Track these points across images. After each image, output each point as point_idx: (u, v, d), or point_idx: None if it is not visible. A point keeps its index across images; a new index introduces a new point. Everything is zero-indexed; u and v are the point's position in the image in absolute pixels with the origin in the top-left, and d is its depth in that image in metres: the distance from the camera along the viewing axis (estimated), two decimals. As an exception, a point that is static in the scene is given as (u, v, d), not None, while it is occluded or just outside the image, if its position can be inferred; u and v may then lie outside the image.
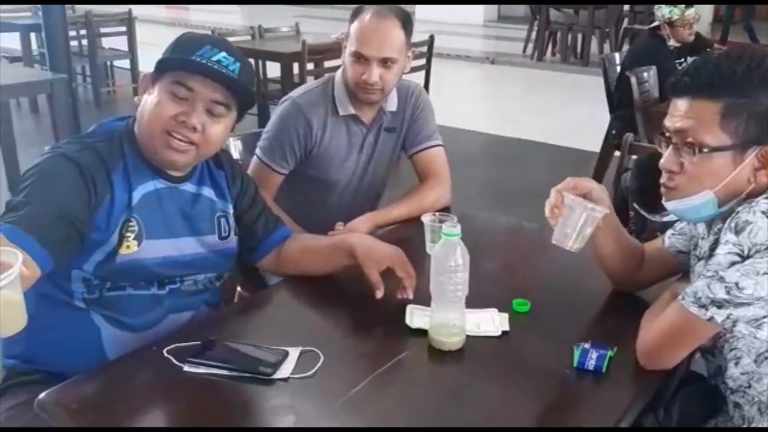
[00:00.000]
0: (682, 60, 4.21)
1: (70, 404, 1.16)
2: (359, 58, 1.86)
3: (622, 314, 1.45)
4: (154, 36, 6.85)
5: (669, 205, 1.30)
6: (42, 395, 1.16)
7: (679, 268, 1.48)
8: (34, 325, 1.40)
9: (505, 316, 1.42)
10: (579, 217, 1.35)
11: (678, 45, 4.12)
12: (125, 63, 7.00)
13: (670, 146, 1.26)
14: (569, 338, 1.30)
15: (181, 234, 1.46)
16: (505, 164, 5.32)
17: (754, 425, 1.27)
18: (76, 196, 1.30)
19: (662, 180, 1.29)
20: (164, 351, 1.27)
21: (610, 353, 1.25)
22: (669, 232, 1.50)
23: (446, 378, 1.30)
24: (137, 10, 6.95)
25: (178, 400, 1.19)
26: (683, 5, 3.99)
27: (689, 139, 1.23)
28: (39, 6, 5.18)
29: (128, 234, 1.36)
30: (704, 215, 1.28)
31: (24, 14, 6.89)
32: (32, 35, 6.51)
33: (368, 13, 1.87)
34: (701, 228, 1.36)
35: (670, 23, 4.04)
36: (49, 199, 1.26)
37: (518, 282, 1.63)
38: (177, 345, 1.28)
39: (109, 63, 7.29)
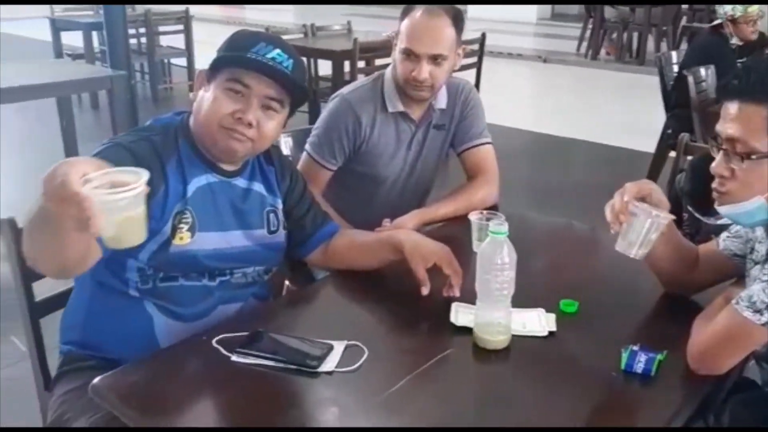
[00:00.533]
0: (744, 59, 4.08)
1: (121, 390, 1.20)
2: (409, 54, 1.87)
3: (672, 317, 1.42)
4: (210, 34, 6.99)
5: (721, 209, 1.28)
6: (95, 380, 1.20)
7: (734, 271, 1.44)
8: (90, 313, 1.47)
9: (552, 316, 1.41)
10: (644, 225, 1.32)
11: (740, 44, 4.00)
12: (182, 61, 7.17)
13: (721, 151, 1.24)
14: (617, 340, 1.28)
15: (231, 227, 1.48)
16: (555, 163, 5.25)
17: None
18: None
19: (714, 185, 1.27)
20: (213, 341, 1.30)
21: (659, 357, 1.22)
22: (724, 234, 1.46)
23: (490, 377, 1.30)
24: (194, 8, 7.10)
25: (225, 389, 1.22)
26: (746, 2, 3.87)
27: (738, 146, 1.20)
28: (101, 5, 5.32)
29: (182, 225, 1.39)
30: (758, 220, 1.25)
31: (86, 13, 7.10)
32: (94, 33, 6.72)
33: (419, 10, 1.88)
34: (759, 231, 1.32)
35: (733, 21, 3.92)
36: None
37: (566, 282, 1.60)
38: (226, 335, 1.31)
39: (166, 60, 7.47)
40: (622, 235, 1.34)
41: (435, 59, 1.86)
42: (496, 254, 1.27)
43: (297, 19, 12.38)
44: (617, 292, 1.56)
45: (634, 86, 7.62)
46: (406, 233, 1.58)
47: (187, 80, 7.14)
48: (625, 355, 1.23)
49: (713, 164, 1.26)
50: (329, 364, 1.25)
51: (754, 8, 3.88)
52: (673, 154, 4.06)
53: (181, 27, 6.91)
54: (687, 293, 1.50)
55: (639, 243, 1.33)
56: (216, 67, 1.40)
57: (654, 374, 1.22)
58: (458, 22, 1.90)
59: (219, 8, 14.02)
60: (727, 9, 3.91)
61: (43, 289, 1.62)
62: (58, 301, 1.62)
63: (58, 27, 6.86)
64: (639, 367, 1.22)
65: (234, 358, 1.26)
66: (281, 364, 1.24)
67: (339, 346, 1.29)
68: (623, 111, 6.72)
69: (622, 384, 1.22)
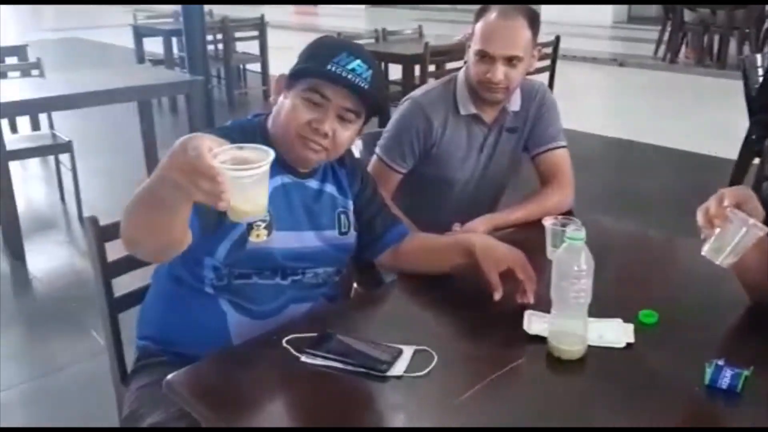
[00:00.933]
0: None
1: (194, 387, 1.22)
2: (483, 56, 1.84)
3: (759, 331, 1.34)
4: (284, 41, 7.11)
5: None
6: (169, 377, 1.22)
7: None
8: (166, 309, 1.50)
9: (630, 327, 1.35)
10: (738, 232, 1.26)
11: None
12: (256, 66, 7.33)
13: None
14: (700, 354, 1.22)
15: (304, 227, 1.50)
16: (631, 169, 5.10)
17: None
18: None
19: None
20: (283, 341, 1.30)
21: (746, 373, 1.15)
22: None
23: (564, 389, 1.25)
24: (269, 15, 7.25)
25: (293, 389, 1.22)
26: None
27: None
28: (180, 11, 5.50)
29: (259, 223, 1.41)
30: None
31: (167, 20, 7.36)
32: (174, 40, 6.95)
33: (494, 11, 1.85)
34: None
35: None
36: None
37: (645, 292, 1.54)
38: (296, 335, 1.31)
39: (241, 66, 7.65)
40: (712, 240, 1.28)
41: (510, 61, 1.82)
42: (573, 261, 1.23)
43: (369, 24, 12.48)
44: (699, 304, 1.49)
45: (714, 91, 7.33)
46: (478, 236, 1.55)
47: (261, 85, 7.30)
48: (709, 370, 1.17)
49: None
50: (398, 368, 1.23)
51: None
52: (756, 160, 3.89)
53: (256, 33, 7.07)
54: None
55: (729, 251, 1.27)
56: (297, 75, 1.42)
57: (740, 391, 1.15)
58: (534, 23, 1.86)
59: (293, 15, 14.29)
60: None
61: (122, 286, 1.68)
62: (136, 297, 1.67)
63: (140, 34, 7.13)
64: (724, 382, 1.16)
65: (303, 358, 1.26)
66: (350, 367, 1.24)
67: (408, 351, 1.28)
68: (703, 116, 6.47)
69: (705, 400, 1.16)
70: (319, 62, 1.39)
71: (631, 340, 1.32)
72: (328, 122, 1.40)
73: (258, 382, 1.24)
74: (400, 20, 10.65)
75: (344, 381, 1.22)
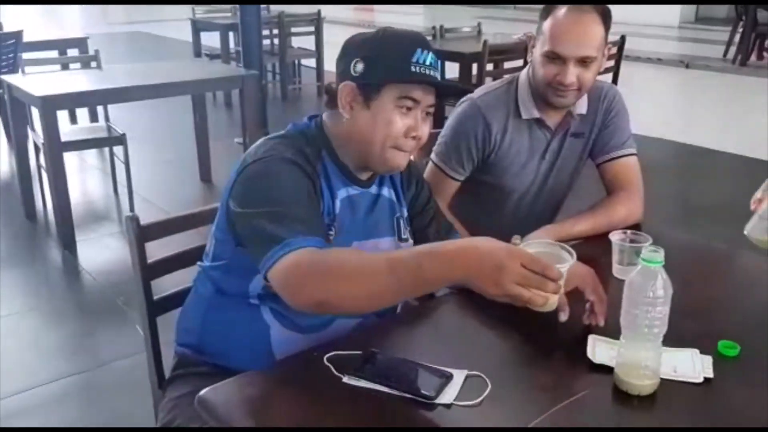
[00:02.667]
0: None
1: (228, 404, 1.14)
2: (554, 57, 1.71)
3: None
4: (340, 36, 7.07)
5: None
6: (203, 392, 1.14)
7: None
8: (208, 319, 1.43)
9: (709, 359, 1.21)
10: None
11: None
12: (311, 62, 7.30)
13: None
14: (790, 395, 1.08)
15: (364, 237, 1.42)
16: (698, 177, 4.86)
17: None
18: (316, 197, 1.32)
19: None
20: (324, 359, 1.21)
21: None
22: None
23: (633, 428, 1.13)
24: (326, 10, 7.20)
25: (334, 412, 1.12)
26: None
27: None
28: (238, 6, 5.49)
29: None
30: None
31: (224, 15, 7.39)
32: (230, 34, 6.97)
33: (563, 8, 1.71)
34: None
35: None
36: (302, 201, 1.27)
37: (724, 319, 1.40)
38: (337, 353, 1.22)
39: (296, 61, 7.63)
40: (756, 217, 1.22)
41: (583, 62, 1.69)
42: (648, 286, 1.09)
43: (426, 21, 12.36)
44: (789, 336, 1.33)
45: (789, 95, 6.97)
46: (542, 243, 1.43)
47: (315, 81, 7.27)
48: (802, 416, 1.03)
49: None
50: (447, 395, 1.13)
51: None
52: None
53: (312, 29, 7.04)
54: None
55: (757, 222, 1.22)
56: (378, 82, 1.32)
57: (840, 443, 1.01)
58: (607, 19, 1.72)
59: (350, 11, 14.26)
60: None
61: (161, 288, 1.62)
62: (175, 301, 1.61)
63: (198, 28, 7.18)
64: (821, 432, 1.02)
65: (345, 380, 1.17)
66: (395, 392, 1.14)
67: (459, 376, 1.17)
68: (776, 122, 6.15)
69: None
70: (400, 65, 1.31)
71: (710, 374, 1.18)
72: (421, 126, 1.35)
73: (296, 403, 1.15)
74: (459, 18, 10.50)
75: (388, 406, 1.12)
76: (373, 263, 1.14)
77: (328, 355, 1.22)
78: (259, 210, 1.23)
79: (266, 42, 6.69)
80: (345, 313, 1.32)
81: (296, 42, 7.48)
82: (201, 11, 7.42)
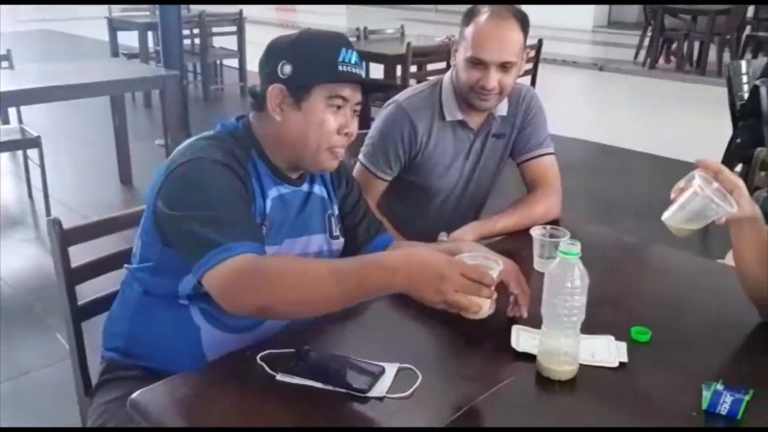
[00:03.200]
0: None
1: (161, 406, 1.14)
2: (476, 63, 1.77)
3: (759, 351, 1.29)
4: (263, 37, 7.00)
5: None
6: (135, 395, 1.14)
7: None
8: (136, 322, 1.42)
9: (623, 344, 1.29)
10: (697, 203, 1.25)
11: None
12: (233, 62, 7.21)
13: None
14: (697, 375, 1.16)
15: (295, 234, 1.43)
16: (611, 175, 5.08)
17: None
18: (248, 199, 1.33)
19: None
20: (258, 357, 1.22)
21: (746, 398, 1.10)
22: None
23: (555, 411, 1.19)
24: (247, 11, 7.13)
25: (268, 410, 1.14)
26: None
27: None
28: (157, 5, 5.37)
29: None
30: None
31: (143, 14, 7.21)
32: (149, 34, 6.80)
33: (485, 14, 1.77)
34: None
35: None
36: (235, 204, 1.27)
37: (637, 307, 1.48)
38: (271, 351, 1.24)
39: (218, 62, 7.52)
40: (675, 206, 1.29)
41: (504, 67, 1.76)
42: (567, 277, 1.16)
43: (349, 22, 12.40)
44: (696, 321, 1.43)
45: (695, 97, 7.37)
46: (468, 245, 1.49)
47: (238, 81, 7.18)
48: (707, 394, 1.11)
49: None
50: (380, 388, 1.16)
51: None
52: (739, 167, 3.88)
53: (234, 29, 6.95)
54: None
55: (684, 219, 1.27)
56: (307, 84, 1.33)
57: (741, 417, 1.09)
58: (525, 25, 1.79)
59: (273, 11, 14.14)
60: None
61: (87, 292, 1.58)
62: (102, 304, 1.58)
63: (115, 27, 6.97)
64: (724, 408, 1.10)
65: (279, 377, 1.18)
66: (329, 387, 1.16)
67: (391, 369, 1.20)
68: (683, 122, 6.49)
69: (703, 426, 1.10)
70: (327, 66, 1.33)
71: (625, 359, 1.26)
72: (351, 123, 1.38)
73: (229, 402, 1.16)
74: (381, 20, 10.59)
75: (323, 401, 1.14)
76: (316, 271, 1.18)
77: (261, 354, 1.23)
78: (192, 213, 1.23)
79: (187, 42, 6.56)
80: (285, 319, 1.33)
81: (218, 42, 7.37)
82: (118, 10, 7.21)
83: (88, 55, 8.54)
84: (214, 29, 7.04)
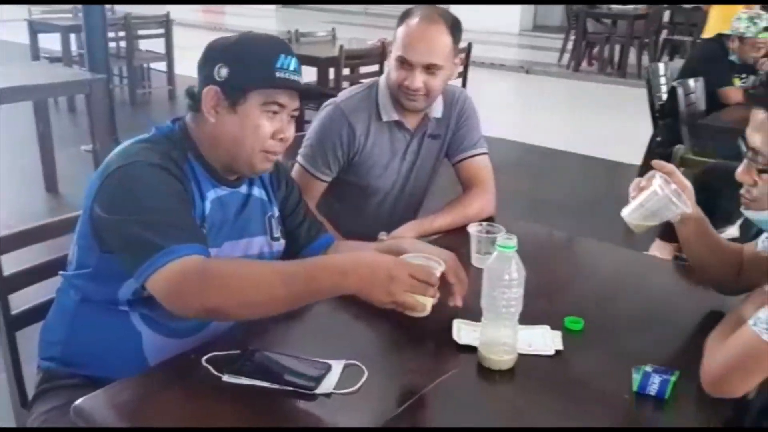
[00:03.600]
0: (745, 76, 4.05)
1: (106, 411, 1.12)
2: (403, 63, 1.81)
3: (684, 335, 1.38)
4: (191, 39, 6.85)
5: (746, 213, 1.27)
6: (79, 401, 1.12)
7: None
8: (74, 329, 1.39)
9: (558, 334, 1.35)
10: (656, 202, 1.33)
11: (737, 62, 3.99)
12: (161, 65, 7.06)
13: (746, 159, 1.20)
14: (627, 359, 1.23)
15: (235, 237, 1.43)
16: (539, 174, 5.23)
17: None
18: (188, 201, 1.32)
19: (742, 191, 1.25)
20: (203, 360, 1.23)
21: (673, 378, 1.17)
22: (763, 235, 1.42)
23: (497, 399, 1.24)
24: (175, 13, 7.00)
25: (216, 412, 1.14)
26: (763, 24, 3.84)
27: (760, 158, 1.17)
28: (79, 7, 5.22)
29: None
30: None
31: (65, 16, 6.97)
32: (72, 36, 6.59)
33: (416, 17, 1.82)
34: None
35: (741, 39, 3.90)
36: (175, 206, 1.27)
37: (569, 298, 1.55)
38: (216, 353, 1.24)
39: (145, 65, 7.34)
40: (633, 204, 1.36)
41: (429, 69, 1.80)
42: (504, 270, 1.21)
43: (279, 25, 12.32)
44: (624, 309, 1.51)
45: (617, 98, 7.66)
46: (409, 241, 1.52)
47: (166, 85, 7.04)
48: (637, 377, 1.18)
49: (737, 171, 1.23)
50: (327, 385, 1.18)
51: (765, 35, 3.84)
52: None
53: (161, 31, 6.81)
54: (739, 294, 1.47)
55: (642, 217, 1.35)
56: (244, 88, 1.34)
57: (668, 397, 1.17)
58: (456, 30, 1.84)
59: (200, 13, 13.90)
60: (741, 24, 3.88)
61: (20, 302, 1.54)
62: (35, 314, 1.54)
63: (35, 29, 6.72)
64: (653, 389, 1.17)
65: (225, 378, 1.19)
66: (276, 386, 1.17)
67: (337, 366, 1.23)
68: (607, 122, 6.74)
69: (635, 407, 1.17)
70: (265, 71, 1.33)
71: (560, 347, 1.32)
72: (288, 129, 1.39)
73: (176, 405, 1.16)
74: (310, 22, 10.56)
75: (270, 400, 1.15)
76: (264, 273, 1.20)
77: (206, 357, 1.23)
78: (132, 217, 1.23)
79: (112, 45, 6.39)
80: (233, 320, 1.33)
81: (144, 45, 7.20)
82: (38, 11, 6.95)
83: (6, 59, 8.20)
84: (141, 32, 6.86)
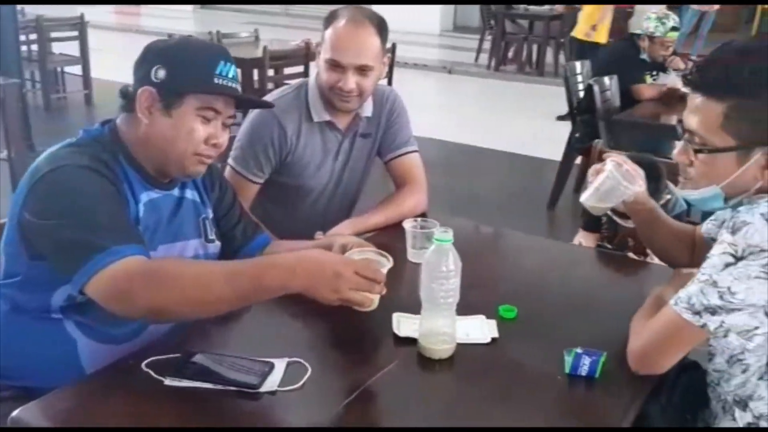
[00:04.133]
0: (655, 73, 4.28)
1: (45, 421, 1.10)
2: (335, 65, 1.83)
3: (610, 317, 1.45)
4: (107, 42, 6.66)
5: (681, 193, 1.34)
6: (16, 412, 1.10)
7: None
8: (4, 338, 1.35)
9: (493, 322, 1.41)
10: (610, 185, 1.44)
11: (648, 60, 4.20)
12: (76, 69, 6.81)
13: (683, 140, 1.27)
14: (559, 343, 1.29)
15: (169, 240, 1.42)
16: (465, 172, 5.34)
17: (716, 423, 1.29)
18: (123, 202, 1.30)
19: (680, 172, 1.31)
20: (143, 365, 1.21)
21: (602, 359, 1.24)
22: (708, 219, 1.51)
23: (438, 387, 1.28)
24: (89, 15, 6.77)
25: (159, 416, 1.13)
26: (670, 24, 4.05)
27: (696, 139, 1.23)
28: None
29: None
30: (713, 207, 1.30)
31: (-31, 18, 6.63)
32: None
33: (343, 19, 1.83)
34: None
35: (651, 38, 4.10)
36: (110, 208, 1.25)
37: (502, 288, 1.61)
38: (156, 358, 1.23)
39: (59, 69, 7.07)
40: (590, 187, 1.48)
41: (361, 70, 1.83)
42: (442, 262, 1.25)
43: (198, 26, 12.09)
44: (554, 296, 1.58)
45: (536, 96, 7.89)
46: (347, 237, 1.54)
47: (82, 89, 6.80)
48: (568, 359, 1.24)
49: (674, 151, 1.30)
50: (271, 383, 1.19)
51: (673, 34, 4.07)
52: (579, 160, 4.24)
53: (75, 33, 6.57)
54: None
55: (596, 198, 1.47)
56: (180, 91, 1.32)
57: (598, 376, 1.23)
58: (383, 31, 1.87)
59: (114, 15, 13.49)
60: (650, 24, 4.08)
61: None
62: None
63: (-63, 32, 6.36)
64: (583, 369, 1.24)
65: (167, 382, 1.18)
66: (220, 386, 1.17)
67: (280, 364, 1.24)
68: (527, 121, 6.93)
69: (568, 387, 1.23)
70: (203, 76, 1.33)
71: (496, 335, 1.37)
72: (222, 135, 1.38)
73: (118, 412, 1.14)
74: (231, 23, 10.42)
75: (215, 402, 1.15)
76: (211, 272, 1.20)
77: (146, 361, 1.22)
78: (66, 220, 1.20)
79: (23, 48, 6.13)
80: (178, 320, 1.32)
81: (57, 48, 6.93)
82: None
83: None
84: (54, 34, 6.61)
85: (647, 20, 4.10)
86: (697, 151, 1.24)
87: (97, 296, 1.18)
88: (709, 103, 1.20)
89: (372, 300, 1.23)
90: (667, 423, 1.31)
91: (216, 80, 1.33)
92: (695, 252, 1.51)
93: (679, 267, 1.57)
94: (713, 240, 1.46)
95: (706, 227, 1.49)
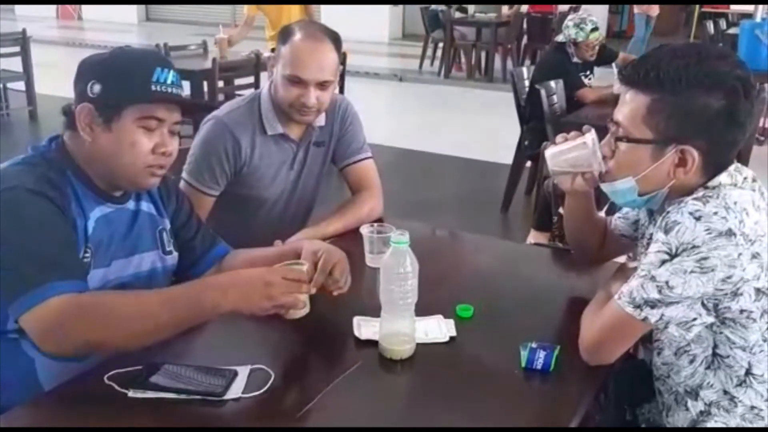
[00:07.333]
0: (588, 72, 4.45)
1: (6, 441, 1.09)
2: (296, 81, 1.84)
3: (562, 313, 1.51)
4: (51, 57, 6.51)
5: (602, 186, 1.37)
6: (-26, 433, 1.08)
7: (623, 250, 1.56)
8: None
9: (451, 321, 1.44)
10: (582, 153, 1.36)
11: (580, 62, 4.36)
12: (20, 85, 6.66)
13: (610, 132, 1.32)
14: (514, 339, 1.33)
15: (125, 254, 1.41)
16: (418, 177, 5.40)
17: (670, 414, 1.35)
18: (67, 228, 1.29)
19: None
20: (105, 378, 1.21)
21: (555, 352, 1.29)
22: (617, 214, 1.56)
23: (399, 387, 1.31)
24: (31, 29, 6.63)
25: (126, 428, 1.13)
26: (589, 27, 4.21)
27: (619, 130, 1.29)
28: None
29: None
30: (628, 200, 1.34)
31: None
32: None
33: (299, 33, 1.85)
34: (643, 214, 1.44)
35: (575, 43, 4.27)
36: (54, 238, 1.25)
37: (458, 288, 1.65)
38: (118, 371, 1.23)
39: (2, 85, 6.90)
40: (559, 146, 1.42)
41: (322, 85, 1.85)
42: (399, 264, 1.28)
43: (143, 39, 11.93)
44: (507, 294, 1.63)
45: (486, 102, 8.02)
46: (310, 242, 1.55)
47: (26, 106, 6.65)
48: (524, 354, 1.29)
49: (602, 142, 1.34)
50: (235, 390, 1.20)
51: (595, 35, 4.24)
52: (529, 164, 4.34)
53: (17, 49, 6.42)
54: (593, 264, 1.65)
55: (561, 152, 1.40)
56: (118, 104, 1.31)
57: (552, 369, 1.28)
58: (339, 44, 1.90)
59: (57, 30, 13.21)
60: (571, 32, 4.25)
61: None
62: None
63: None
64: (539, 363, 1.28)
65: (131, 394, 1.18)
66: (183, 396, 1.18)
67: (243, 371, 1.25)
68: (478, 126, 7.04)
69: (525, 381, 1.28)
70: (139, 86, 1.31)
71: (454, 333, 1.41)
72: (170, 143, 1.38)
73: (84, 425, 1.13)
74: (178, 36, 10.30)
75: (179, 411, 1.16)
76: (145, 301, 1.21)
77: (108, 374, 1.22)
78: (6, 247, 1.19)
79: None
80: (117, 352, 1.28)
81: (0, 64, 6.76)
82: None
83: None
84: (-6, 50, 6.45)
85: (566, 29, 4.31)
86: (617, 139, 1.29)
87: (31, 333, 1.19)
88: (636, 96, 1.26)
89: (304, 301, 1.29)
90: (604, 415, 1.36)
91: (153, 87, 1.32)
92: (605, 243, 1.59)
93: (588, 256, 1.64)
94: (624, 236, 1.53)
95: (615, 223, 1.56)
